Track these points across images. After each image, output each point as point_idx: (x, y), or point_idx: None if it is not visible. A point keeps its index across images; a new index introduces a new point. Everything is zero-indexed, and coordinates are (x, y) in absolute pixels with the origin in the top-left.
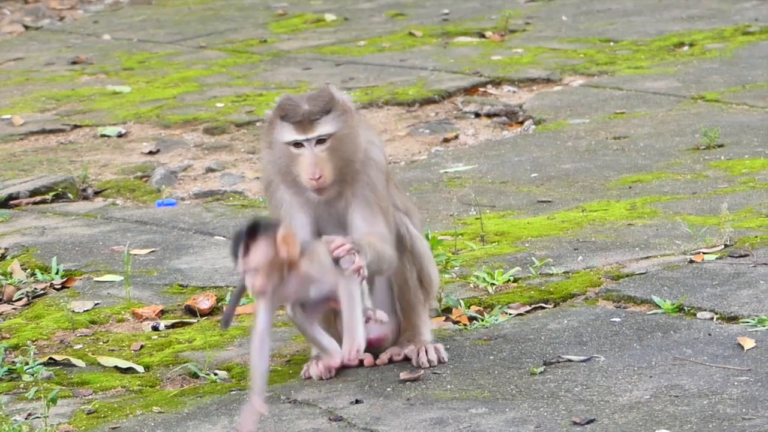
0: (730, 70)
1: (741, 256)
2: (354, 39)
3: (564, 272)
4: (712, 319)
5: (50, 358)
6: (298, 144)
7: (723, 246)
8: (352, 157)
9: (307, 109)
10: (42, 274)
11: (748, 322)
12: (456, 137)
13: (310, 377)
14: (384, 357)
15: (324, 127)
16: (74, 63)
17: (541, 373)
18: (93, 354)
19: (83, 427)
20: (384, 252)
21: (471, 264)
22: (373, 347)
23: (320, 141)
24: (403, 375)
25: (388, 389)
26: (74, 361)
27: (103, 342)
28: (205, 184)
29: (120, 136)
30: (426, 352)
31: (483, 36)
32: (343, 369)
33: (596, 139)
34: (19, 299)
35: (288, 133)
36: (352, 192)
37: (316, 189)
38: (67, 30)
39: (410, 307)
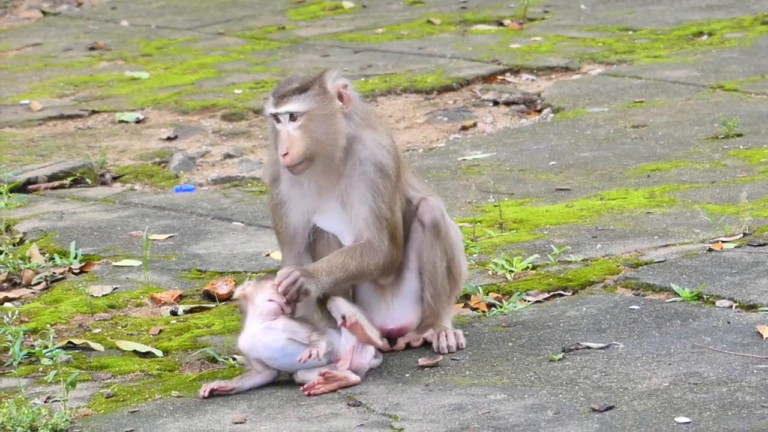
0: (749, 60)
1: (760, 245)
2: (372, 26)
3: (583, 260)
4: (731, 307)
5: (69, 342)
6: (276, 118)
7: (742, 234)
8: (328, 142)
9: (286, 84)
10: (60, 258)
11: (767, 311)
12: (474, 125)
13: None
14: (401, 342)
15: (296, 105)
16: (92, 49)
17: (559, 360)
18: (112, 338)
19: (102, 411)
20: (355, 267)
21: (489, 251)
22: (395, 336)
23: (293, 118)
24: (421, 361)
25: (407, 375)
26: (93, 345)
27: (122, 326)
28: (223, 170)
29: (138, 121)
30: (446, 336)
31: (501, 24)
32: None
33: (615, 127)
34: (38, 283)
35: (268, 106)
36: (352, 194)
37: (286, 165)
38: (85, 16)
39: (436, 295)
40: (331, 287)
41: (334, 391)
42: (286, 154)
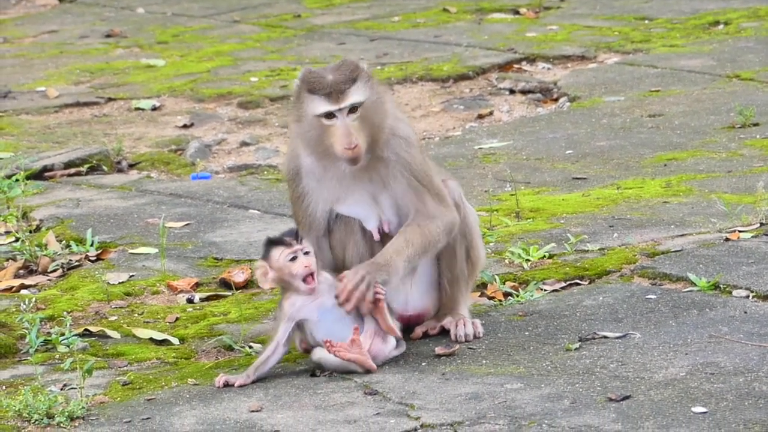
0: (766, 49)
1: None
2: (388, 14)
3: (599, 249)
4: (747, 297)
5: (85, 330)
6: (329, 115)
7: (759, 224)
8: (381, 125)
9: (334, 79)
10: (77, 245)
11: None
12: (490, 113)
13: None
14: (419, 331)
15: (354, 96)
16: (108, 36)
17: (576, 349)
18: (128, 326)
19: (118, 398)
20: (419, 239)
21: (506, 240)
22: (413, 323)
23: (351, 110)
24: (438, 350)
25: (423, 364)
26: (109, 332)
27: (138, 314)
28: (240, 157)
29: (154, 109)
30: (464, 325)
31: (517, 12)
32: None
33: (631, 116)
34: (54, 270)
35: (319, 105)
36: (386, 173)
37: (351, 159)
38: (101, 3)
39: (454, 281)
40: (406, 267)
41: (351, 361)
42: (354, 147)
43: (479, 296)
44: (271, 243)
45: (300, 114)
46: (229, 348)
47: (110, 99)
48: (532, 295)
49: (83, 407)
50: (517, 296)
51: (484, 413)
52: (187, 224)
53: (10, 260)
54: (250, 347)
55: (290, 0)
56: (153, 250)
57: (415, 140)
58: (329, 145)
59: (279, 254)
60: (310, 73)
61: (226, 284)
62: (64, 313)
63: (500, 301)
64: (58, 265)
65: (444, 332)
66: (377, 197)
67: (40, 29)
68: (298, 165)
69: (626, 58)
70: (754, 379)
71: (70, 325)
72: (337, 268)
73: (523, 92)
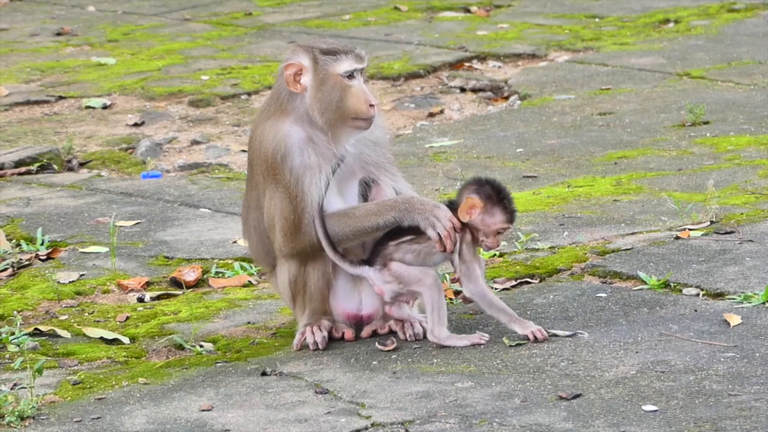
0: (716, 47)
1: (727, 233)
2: (339, 13)
3: (550, 247)
4: (698, 295)
5: (36, 329)
6: (351, 77)
7: (709, 222)
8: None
9: (347, 44)
10: (27, 244)
11: (734, 299)
12: (441, 112)
13: (300, 348)
14: (369, 329)
15: (367, 61)
16: (59, 34)
17: (513, 345)
18: (78, 325)
19: (69, 398)
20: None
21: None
22: (364, 323)
23: (361, 72)
24: (378, 346)
25: (374, 363)
26: (60, 331)
27: (89, 313)
28: (190, 156)
29: (105, 107)
30: (411, 326)
31: (468, 11)
32: (331, 342)
33: (582, 114)
34: (4, 270)
35: (345, 64)
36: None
37: (371, 118)
38: (52, 1)
39: None
40: None
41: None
42: (375, 105)
43: None
44: (501, 198)
45: (324, 76)
46: (180, 347)
47: (61, 97)
48: None
49: (33, 407)
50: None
51: (435, 412)
52: (137, 223)
53: None
54: (201, 346)
55: None
56: (103, 249)
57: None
58: (349, 108)
59: (501, 218)
60: (322, 40)
61: (176, 283)
62: (14, 312)
63: (451, 299)
64: (8, 264)
65: (393, 331)
66: (346, 186)
67: None
68: (285, 144)
69: (577, 57)
70: (705, 377)
71: (21, 324)
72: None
73: (474, 91)
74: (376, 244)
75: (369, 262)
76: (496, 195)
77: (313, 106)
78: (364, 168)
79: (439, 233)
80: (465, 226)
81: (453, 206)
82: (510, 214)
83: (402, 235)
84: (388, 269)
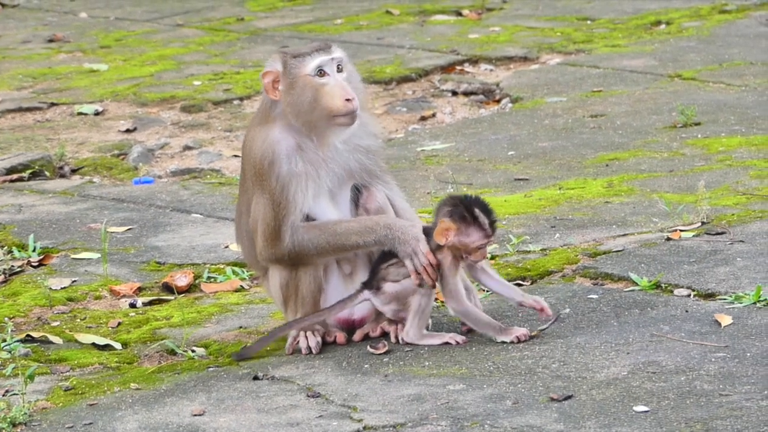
0: (707, 49)
1: (718, 234)
2: (331, 17)
3: (541, 249)
4: (689, 296)
5: (27, 335)
6: (322, 73)
7: (700, 223)
8: (362, 96)
9: (315, 43)
10: (19, 251)
11: (725, 299)
12: (433, 115)
13: (293, 352)
14: (360, 333)
15: (340, 53)
16: (51, 41)
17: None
18: (70, 331)
19: (61, 404)
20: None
21: None
22: (356, 327)
23: (339, 69)
24: (370, 349)
25: (366, 366)
26: (52, 338)
27: (81, 319)
28: (182, 162)
29: (97, 114)
30: (403, 328)
31: (460, 14)
32: (324, 346)
33: (573, 117)
34: None
35: (313, 62)
36: (362, 164)
37: (350, 112)
38: (44, 8)
39: None
40: None
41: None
42: (353, 98)
43: None
44: (475, 217)
45: (292, 80)
46: (172, 352)
47: (53, 104)
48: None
49: (25, 413)
50: None
51: (427, 414)
52: (129, 229)
53: None
54: (193, 351)
55: (233, 3)
56: (95, 255)
57: (381, 131)
58: (324, 107)
59: (477, 236)
60: (289, 47)
61: (168, 288)
62: (6, 318)
63: (442, 302)
64: (0, 271)
65: (385, 333)
66: (338, 192)
67: None
68: (273, 151)
69: (568, 59)
70: (696, 377)
71: (12, 330)
72: None
73: (466, 94)
74: (373, 265)
75: (368, 284)
76: (469, 215)
77: (287, 110)
78: (357, 175)
79: (415, 266)
80: (442, 248)
81: (430, 230)
82: (486, 230)
83: (390, 257)
84: (382, 292)
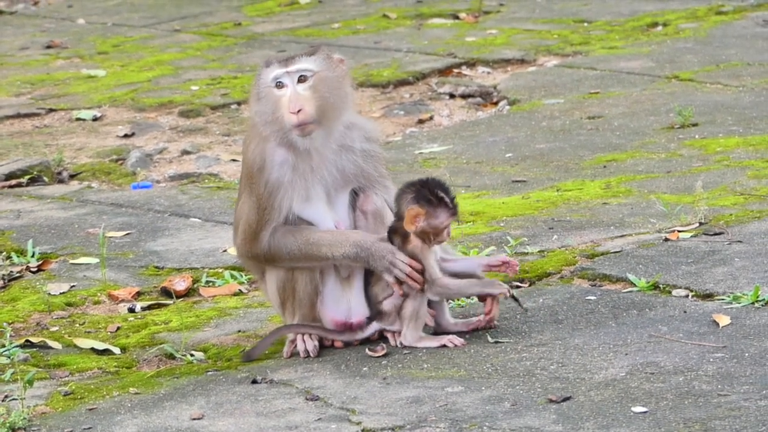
0: (704, 50)
1: (716, 234)
2: (328, 21)
3: (539, 251)
4: (687, 296)
5: (27, 341)
6: (280, 84)
7: (698, 224)
8: (336, 106)
9: (290, 53)
10: (18, 256)
11: (723, 299)
12: (431, 118)
13: (291, 356)
14: (359, 336)
15: (304, 64)
16: (49, 47)
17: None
18: (69, 336)
19: (60, 409)
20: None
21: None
22: (354, 329)
23: (301, 80)
24: (368, 352)
25: (365, 369)
26: (51, 343)
27: (80, 324)
28: (181, 166)
29: (95, 119)
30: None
31: (457, 17)
32: (321, 349)
33: (571, 118)
34: None
35: (270, 73)
36: (355, 166)
37: (298, 125)
38: (42, 14)
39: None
40: None
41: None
42: (299, 111)
43: None
44: (440, 198)
45: (258, 92)
46: (171, 356)
47: (51, 110)
48: (471, 299)
49: (25, 418)
50: (457, 300)
51: (425, 417)
52: (128, 234)
53: None
54: (192, 355)
55: (230, 8)
56: (94, 260)
57: (379, 135)
58: (277, 119)
59: (444, 216)
60: (286, 51)
61: (167, 293)
62: (5, 324)
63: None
64: None
65: (384, 336)
66: (335, 196)
67: None
68: (263, 157)
69: (565, 61)
70: (694, 378)
71: (11, 336)
72: None
73: (463, 96)
74: (366, 297)
75: (372, 317)
76: (434, 196)
77: (256, 119)
78: (354, 178)
79: (397, 277)
80: (408, 238)
81: (394, 227)
82: (452, 208)
83: (369, 275)
84: (386, 314)
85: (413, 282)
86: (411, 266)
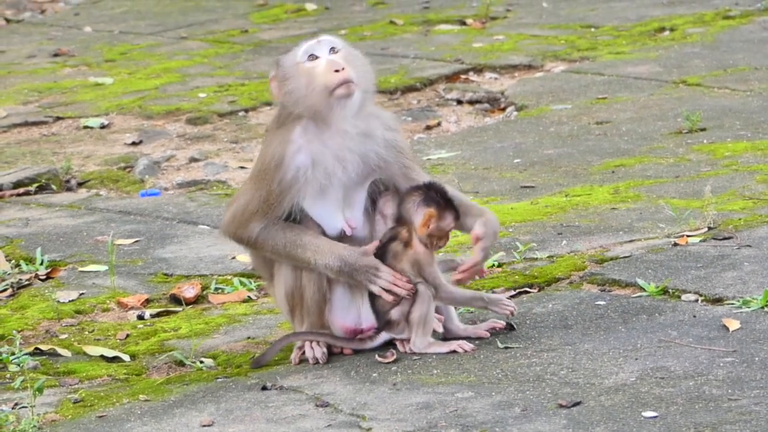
0: (711, 54)
1: (725, 239)
2: (335, 28)
3: (548, 256)
4: (696, 301)
5: (36, 348)
6: (312, 57)
7: (707, 228)
8: (368, 77)
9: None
10: (27, 264)
11: (732, 304)
12: (438, 124)
13: (300, 362)
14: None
15: (334, 41)
16: (56, 55)
17: (525, 356)
18: (79, 343)
19: (70, 416)
20: None
21: (455, 249)
22: (365, 336)
23: (333, 51)
24: (378, 358)
25: (374, 375)
26: (60, 350)
27: (89, 331)
28: (189, 173)
29: (103, 127)
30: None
31: (464, 23)
32: (331, 356)
33: (578, 124)
34: (4, 290)
35: (301, 50)
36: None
37: (341, 83)
38: (49, 22)
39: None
40: None
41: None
42: (342, 68)
43: None
44: (448, 200)
45: (284, 76)
46: (180, 363)
47: (59, 118)
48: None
49: (35, 426)
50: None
51: (436, 422)
52: (136, 241)
53: None
54: (201, 362)
55: (237, 16)
56: (103, 268)
57: (400, 126)
58: (318, 85)
59: (450, 218)
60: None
61: (176, 300)
62: (15, 332)
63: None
64: (8, 284)
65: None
66: (353, 191)
67: None
68: (282, 151)
69: (573, 66)
70: (704, 382)
71: (21, 343)
72: None
73: (471, 102)
74: (373, 310)
75: (380, 327)
76: (442, 198)
77: (289, 103)
78: (377, 170)
79: (382, 287)
80: (410, 244)
81: (397, 225)
82: (457, 211)
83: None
84: (394, 323)
85: (399, 290)
86: (394, 274)
